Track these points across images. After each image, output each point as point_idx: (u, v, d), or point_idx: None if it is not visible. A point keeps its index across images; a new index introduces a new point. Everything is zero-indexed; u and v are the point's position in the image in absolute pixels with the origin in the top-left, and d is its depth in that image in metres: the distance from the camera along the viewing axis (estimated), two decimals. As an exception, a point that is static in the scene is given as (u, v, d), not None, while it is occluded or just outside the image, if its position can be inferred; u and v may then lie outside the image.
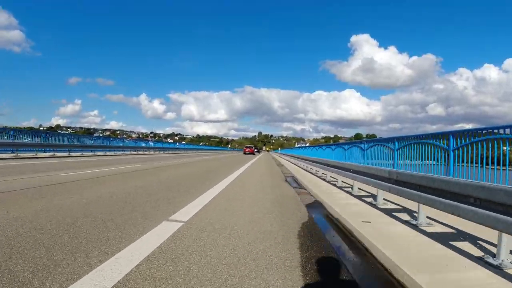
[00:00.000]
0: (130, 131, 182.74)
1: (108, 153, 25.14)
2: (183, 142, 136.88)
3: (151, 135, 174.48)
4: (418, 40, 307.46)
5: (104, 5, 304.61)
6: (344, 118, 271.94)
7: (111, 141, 29.68)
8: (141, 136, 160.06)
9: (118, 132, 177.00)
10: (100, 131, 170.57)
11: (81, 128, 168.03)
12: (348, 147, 10.44)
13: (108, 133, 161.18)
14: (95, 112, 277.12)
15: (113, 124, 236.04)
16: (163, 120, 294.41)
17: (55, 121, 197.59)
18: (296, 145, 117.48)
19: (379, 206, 5.05)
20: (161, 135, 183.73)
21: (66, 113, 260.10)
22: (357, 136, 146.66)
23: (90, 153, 22.93)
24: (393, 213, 4.49)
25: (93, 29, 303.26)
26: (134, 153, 30.01)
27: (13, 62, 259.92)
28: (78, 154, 21.45)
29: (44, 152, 19.14)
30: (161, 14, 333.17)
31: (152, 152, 35.48)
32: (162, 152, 38.52)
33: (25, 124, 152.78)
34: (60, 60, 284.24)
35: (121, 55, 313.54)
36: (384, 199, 5.30)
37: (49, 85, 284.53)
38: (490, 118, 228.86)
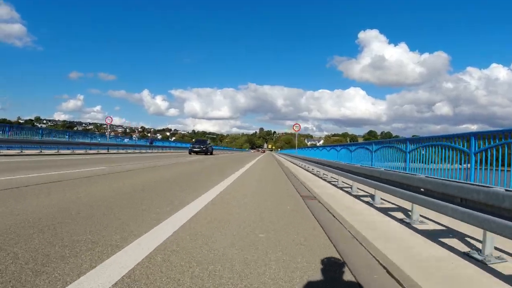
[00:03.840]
0: (118, 126, 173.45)
1: (64, 151, 18.47)
2: (173, 139, 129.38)
3: (139, 129, 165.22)
4: (428, 37, 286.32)
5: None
6: (349, 117, 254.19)
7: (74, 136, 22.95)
8: (127, 130, 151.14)
9: (105, 126, 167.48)
10: (84, 124, 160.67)
11: (64, 121, 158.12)
12: None
13: (91, 127, 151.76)
14: (98, 107, 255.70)
15: (116, 120, 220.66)
16: (165, 116, 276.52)
17: (57, 116, 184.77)
18: (308, 144, 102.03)
19: None
20: (151, 130, 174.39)
21: (69, 108, 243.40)
22: (371, 134, 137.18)
23: (36, 151, 16.30)
24: None
25: (94, 24, 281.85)
26: (112, 151, 23.33)
27: (14, 56, 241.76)
28: (18, 151, 15.22)
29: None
30: (164, 8, 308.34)
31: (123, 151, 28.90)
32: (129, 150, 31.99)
33: (28, 118, 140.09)
34: (62, 55, 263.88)
35: (123, 50, 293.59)
36: None
37: (51, 79, 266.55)
38: (498, 119, 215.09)
